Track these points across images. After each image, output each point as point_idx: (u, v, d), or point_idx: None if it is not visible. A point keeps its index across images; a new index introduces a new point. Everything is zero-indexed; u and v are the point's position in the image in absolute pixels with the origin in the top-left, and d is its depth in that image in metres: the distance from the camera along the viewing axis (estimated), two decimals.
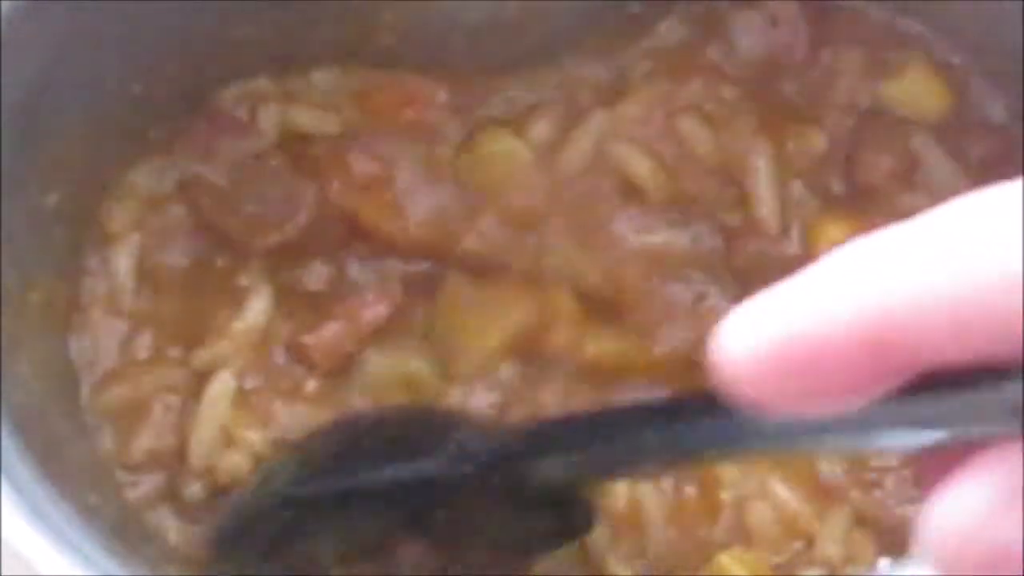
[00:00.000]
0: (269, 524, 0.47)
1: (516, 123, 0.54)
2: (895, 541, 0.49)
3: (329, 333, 0.51)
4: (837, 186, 0.53)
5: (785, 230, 0.53)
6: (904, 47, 0.53)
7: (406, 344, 0.52)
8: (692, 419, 0.33)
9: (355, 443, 0.47)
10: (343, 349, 0.51)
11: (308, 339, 0.51)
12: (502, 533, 0.45)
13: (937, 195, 0.52)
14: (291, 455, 0.49)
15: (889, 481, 0.50)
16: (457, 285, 0.52)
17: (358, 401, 0.51)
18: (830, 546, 0.49)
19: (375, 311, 0.52)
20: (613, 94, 0.54)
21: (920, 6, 0.53)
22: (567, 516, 0.45)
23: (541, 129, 0.54)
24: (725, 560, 0.49)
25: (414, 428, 0.47)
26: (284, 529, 0.46)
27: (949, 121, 0.53)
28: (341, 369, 0.51)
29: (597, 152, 0.53)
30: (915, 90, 0.53)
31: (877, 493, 0.50)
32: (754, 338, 0.25)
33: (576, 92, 0.54)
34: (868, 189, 0.52)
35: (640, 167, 0.53)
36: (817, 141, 0.53)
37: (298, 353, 0.51)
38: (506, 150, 0.53)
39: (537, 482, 0.41)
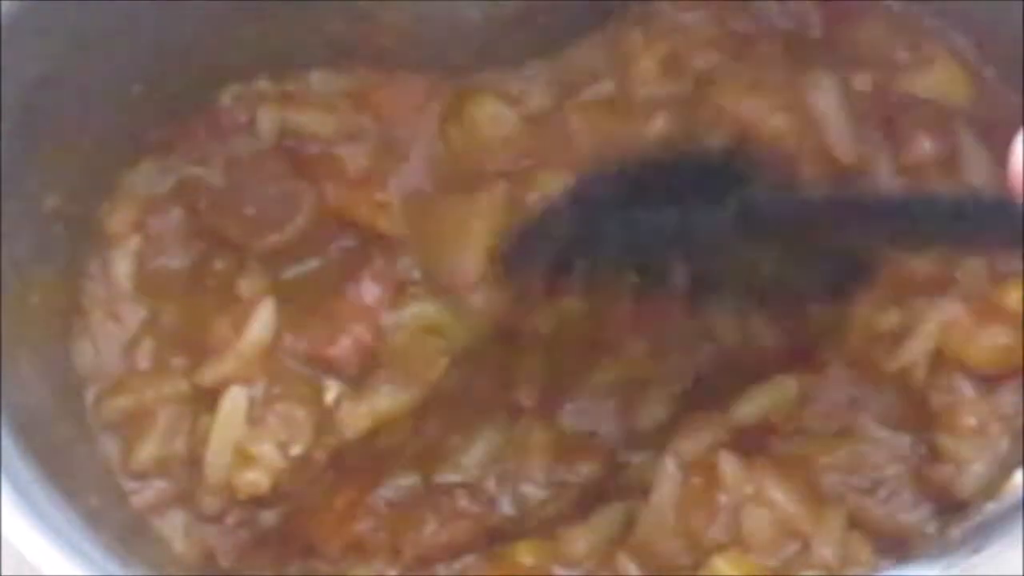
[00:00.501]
0: (551, 246, 0.48)
1: (506, 93, 0.54)
2: (892, 544, 0.49)
3: (349, 341, 0.51)
4: (884, 162, 0.53)
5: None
6: (923, 40, 0.53)
7: (411, 294, 0.52)
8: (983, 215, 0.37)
9: (646, 180, 0.47)
10: (367, 346, 0.51)
11: (332, 351, 0.51)
12: (777, 280, 0.46)
13: (976, 180, 0.52)
14: (584, 184, 0.49)
15: (883, 486, 0.50)
16: (427, 205, 0.53)
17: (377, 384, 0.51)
18: (827, 549, 0.49)
19: (374, 294, 0.52)
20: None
21: (935, 3, 0.53)
22: (843, 271, 0.46)
23: (534, 100, 0.54)
24: (720, 563, 0.49)
25: (706, 173, 0.46)
26: (564, 253, 0.47)
27: (975, 114, 0.53)
28: (369, 364, 0.52)
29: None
30: (941, 83, 0.53)
31: (872, 498, 0.50)
32: None
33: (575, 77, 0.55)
34: (912, 172, 0.53)
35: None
36: (859, 81, 0.53)
37: (322, 364, 0.51)
38: (492, 114, 0.53)
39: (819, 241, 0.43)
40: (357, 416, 0.51)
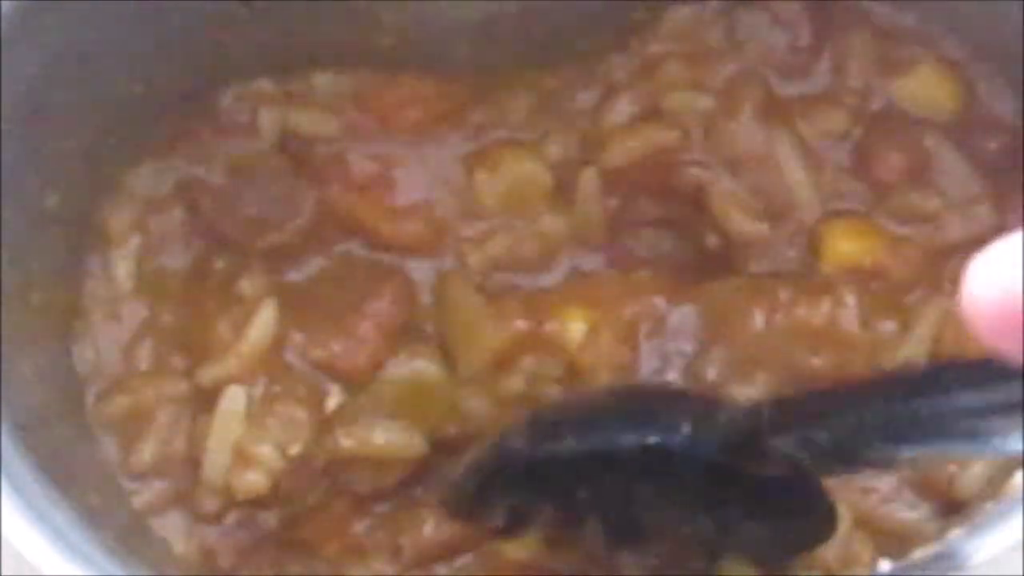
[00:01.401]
0: (498, 484, 0.47)
1: (530, 143, 0.54)
2: (892, 544, 0.49)
3: (364, 356, 0.51)
4: (848, 183, 0.53)
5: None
6: (910, 44, 0.53)
7: (420, 351, 0.52)
8: (950, 388, 0.32)
9: (591, 417, 0.47)
10: (379, 363, 0.51)
11: (348, 364, 0.51)
12: (729, 535, 0.45)
13: (949, 193, 0.52)
14: (525, 424, 0.48)
15: (883, 486, 0.50)
16: (460, 291, 0.53)
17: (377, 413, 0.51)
18: (827, 551, 0.49)
19: (394, 316, 0.52)
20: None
21: (924, 4, 0.53)
22: (799, 523, 0.45)
23: (553, 151, 0.54)
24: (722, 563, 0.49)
25: (649, 405, 0.46)
26: (511, 489, 0.47)
27: (960, 119, 0.53)
28: (365, 379, 0.51)
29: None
30: (926, 87, 0.53)
31: (872, 498, 0.50)
32: (996, 287, 0.25)
33: (571, 98, 0.54)
34: (880, 186, 0.53)
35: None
36: (837, 122, 0.53)
37: (331, 372, 0.51)
38: (526, 172, 0.53)
39: (772, 467, 0.41)
40: (352, 438, 0.51)
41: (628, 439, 0.44)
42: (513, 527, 0.48)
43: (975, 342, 0.50)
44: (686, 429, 0.43)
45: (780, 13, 0.54)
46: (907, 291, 0.51)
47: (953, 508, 0.49)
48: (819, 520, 0.45)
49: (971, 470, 0.49)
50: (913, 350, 0.50)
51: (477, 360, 0.51)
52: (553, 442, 0.46)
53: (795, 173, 0.52)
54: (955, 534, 0.46)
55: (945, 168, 0.52)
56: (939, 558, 0.44)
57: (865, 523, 0.50)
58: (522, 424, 0.47)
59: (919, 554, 0.48)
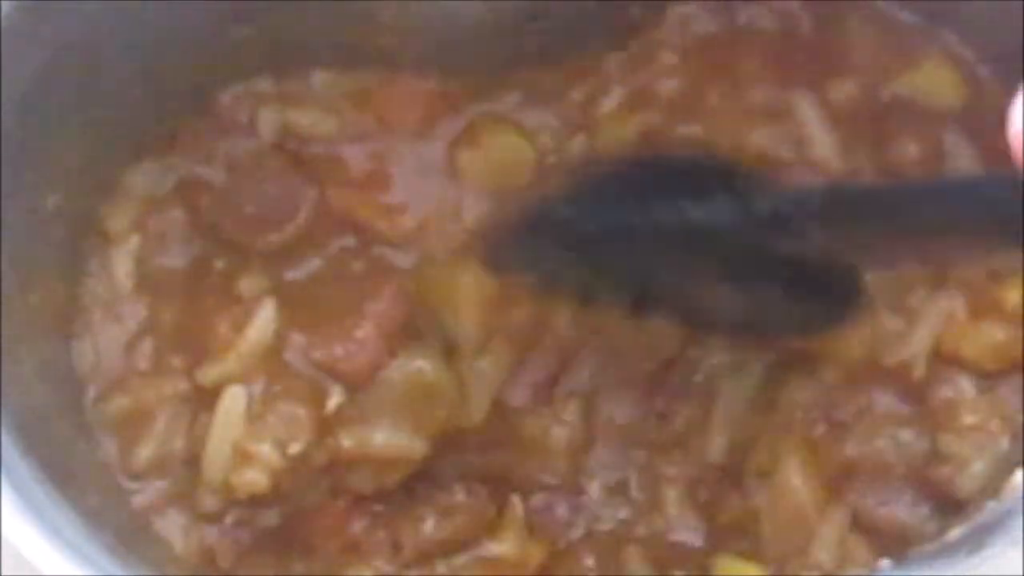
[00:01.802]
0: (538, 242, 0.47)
1: (516, 123, 0.54)
2: (892, 544, 0.49)
3: (364, 358, 0.51)
4: (866, 167, 0.53)
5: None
6: (914, 40, 0.53)
7: (420, 351, 0.52)
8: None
9: (648, 180, 0.47)
10: (379, 365, 0.51)
11: (348, 365, 0.51)
12: (767, 304, 0.46)
13: None
14: (570, 189, 0.48)
15: (883, 486, 0.50)
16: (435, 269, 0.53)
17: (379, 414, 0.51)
18: (823, 552, 0.49)
19: (392, 316, 0.52)
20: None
21: (925, 4, 0.53)
22: (832, 299, 0.46)
23: (544, 140, 0.54)
24: (722, 562, 0.50)
25: (708, 176, 0.46)
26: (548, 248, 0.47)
27: (967, 112, 0.53)
28: (366, 380, 0.51)
29: None
30: (933, 82, 0.53)
31: (872, 498, 0.50)
32: None
33: (567, 96, 0.55)
34: (896, 169, 0.53)
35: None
36: (849, 87, 0.53)
37: (332, 372, 0.51)
38: (509, 144, 0.54)
39: (819, 248, 0.42)
40: (354, 439, 0.51)
41: (673, 212, 0.44)
42: (545, 287, 0.49)
43: (973, 342, 0.50)
44: (730, 206, 0.43)
45: (780, 11, 0.54)
46: (909, 289, 0.51)
47: (953, 508, 0.49)
48: (848, 299, 0.46)
49: (971, 470, 0.49)
50: (916, 348, 0.50)
51: (473, 315, 0.51)
52: (597, 210, 0.46)
53: (817, 135, 0.52)
54: (955, 534, 0.46)
55: (957, 161, 0.52)
56: (939, 558, 0.44)
57: (865, 523, 0.50)
58: (567, 188, 0.48)
59: (919, 554, 0.48)
